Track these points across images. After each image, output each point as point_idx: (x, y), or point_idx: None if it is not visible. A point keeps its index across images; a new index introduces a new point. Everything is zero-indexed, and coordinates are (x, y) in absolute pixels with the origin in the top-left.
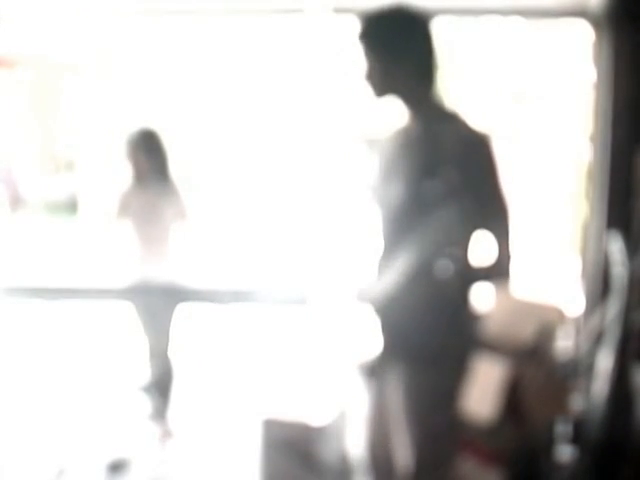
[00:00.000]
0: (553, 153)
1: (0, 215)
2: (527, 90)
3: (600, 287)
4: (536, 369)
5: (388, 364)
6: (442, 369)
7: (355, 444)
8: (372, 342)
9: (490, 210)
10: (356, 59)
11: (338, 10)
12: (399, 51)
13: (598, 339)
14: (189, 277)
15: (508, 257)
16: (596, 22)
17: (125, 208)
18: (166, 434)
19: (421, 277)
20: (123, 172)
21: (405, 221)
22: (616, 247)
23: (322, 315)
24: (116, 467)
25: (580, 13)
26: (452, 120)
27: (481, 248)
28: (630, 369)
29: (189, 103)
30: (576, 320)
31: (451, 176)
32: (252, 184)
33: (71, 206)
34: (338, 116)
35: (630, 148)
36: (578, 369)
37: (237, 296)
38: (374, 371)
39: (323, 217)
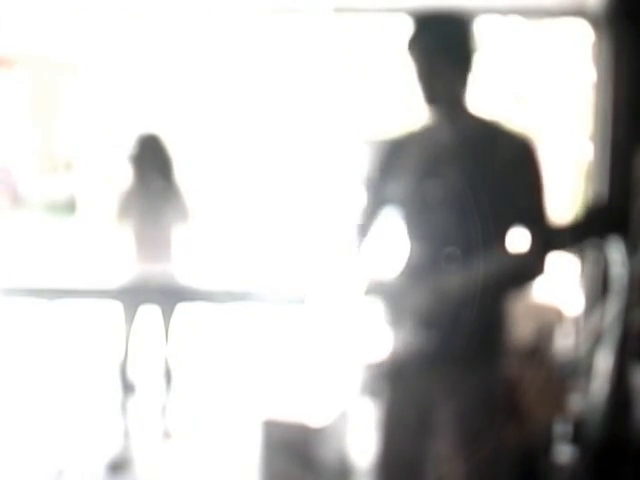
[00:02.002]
0: (553, 153)
1: None
2: (527, 90)
3: (600, 287)
4: (536, 369)
5: (419, 367)
6: (487, 370)
7: (355, 445)
8: (387, 342)
9: (532, 214)
10: (402, 62)
11: (338, 10)
12: (449, 55)
13: (598, 339)
14: (190, 278)
15: (543, 259)
16: (596, 22)
17: (125, 209)
18: (166, 434)
19: (463, 278)
20: (123, 173)
21: (442, 221)
22: (616, 247)
23: (322, 315)
24: (116, 467)
25: (580, 13)
26: (493, 124)
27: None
28: (630, 369)
29: (189, 104)
30: (576, 320)
31: (494, 179)
32: (252, 184)
33: (70, 206)
34: (338, 116)
35: (630, 148)
36: (578, 369)
37: (237, 296)
38: (390, 376)
39: (323, 217)
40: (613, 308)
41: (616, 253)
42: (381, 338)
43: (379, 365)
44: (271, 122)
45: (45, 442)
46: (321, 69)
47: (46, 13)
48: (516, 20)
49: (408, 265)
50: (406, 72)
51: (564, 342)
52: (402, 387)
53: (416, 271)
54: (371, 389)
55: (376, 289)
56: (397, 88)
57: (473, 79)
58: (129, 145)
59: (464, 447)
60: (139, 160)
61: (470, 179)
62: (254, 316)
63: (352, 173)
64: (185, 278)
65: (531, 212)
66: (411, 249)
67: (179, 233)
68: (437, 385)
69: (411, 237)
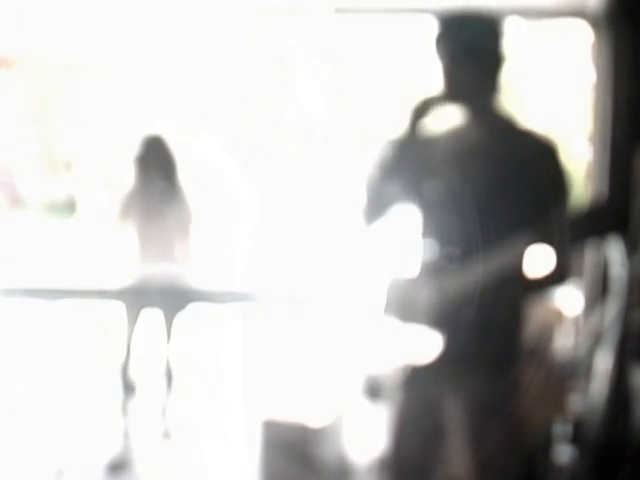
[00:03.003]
0: None
1: None
2: (527, 90)
3: (600, 287)
4: (535, 369)
5: (430, 368)
6: (501, 377)
7: (355, 445)
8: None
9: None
10: (430, 60)
11: (338, 10)
12: (477, 54)
13: (598, 339)
14: (192, 279)
15: (567, 267)
16: (596, 22)
17: (128, 210)
18: (166, 434)
19: (486, 283)
20: (124, 173)
21: (461, 222)
22: (615, 247)
23: (322, 315)
24: (116, 467)
25: (580, 13)
26: (519, 127)
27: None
28: (630, 369)
29: (190, 105)
30: (576, 320)
31: (518, 181)
32: (253, 184)
33: (70, 206)
34: (337, 116)
35: (630, 148)
36: (578, 369)
37: (238, 296)
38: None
39: (328, 215)
40: (613, 308)
41: (616, 253)
42: (389, 338)
43: (388, 367)
44: (271, 122)
45: (45, 442)
46: (321, 69)
47: (46, 13)
48: (516, 20)
49: (423, 265)
50: (430, 71)
51: (564, 342)
52: (413, 389)
53: (431, 271)
54: (379, 391)
55: (386, 289)
56: (398, 88)
57: (502, 80)
58: (132, 146)
59: (473, 449)
60: (143, 161)
61: (494, 180)
62: (254, 316)
63: (359, 172)
64: (187, 279)
65: (557, 222)
66: (426, 250)
67: (182, 234)
68: (448, 387)
69: (428, 237)
